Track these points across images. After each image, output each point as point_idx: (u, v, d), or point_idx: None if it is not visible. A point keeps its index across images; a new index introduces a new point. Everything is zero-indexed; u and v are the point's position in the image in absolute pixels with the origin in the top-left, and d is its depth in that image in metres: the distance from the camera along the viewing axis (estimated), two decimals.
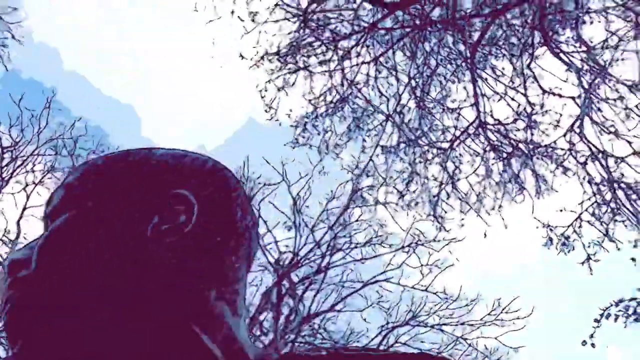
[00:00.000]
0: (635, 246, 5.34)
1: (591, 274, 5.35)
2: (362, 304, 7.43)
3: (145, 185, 0.59)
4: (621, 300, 5.17)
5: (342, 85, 6.57)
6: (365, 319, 7.40)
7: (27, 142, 6.21)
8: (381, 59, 6.49)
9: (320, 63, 6.47)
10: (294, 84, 6.54)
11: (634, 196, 5.42)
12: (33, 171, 6.31)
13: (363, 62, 6.52)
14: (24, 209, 6.26)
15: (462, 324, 7.63)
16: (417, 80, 6.48)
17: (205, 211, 0.58)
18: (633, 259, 5.29)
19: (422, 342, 7.58)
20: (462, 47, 6.26)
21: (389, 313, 7.50)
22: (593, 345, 5.26)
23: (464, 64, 6.30)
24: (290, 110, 6.70)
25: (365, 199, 7.01)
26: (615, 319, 5.18)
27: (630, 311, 5.15)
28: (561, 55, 5.78)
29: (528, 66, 5.92)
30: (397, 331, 7.56)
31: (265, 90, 6.51)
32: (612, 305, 5.17)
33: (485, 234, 6.41)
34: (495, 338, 7.41)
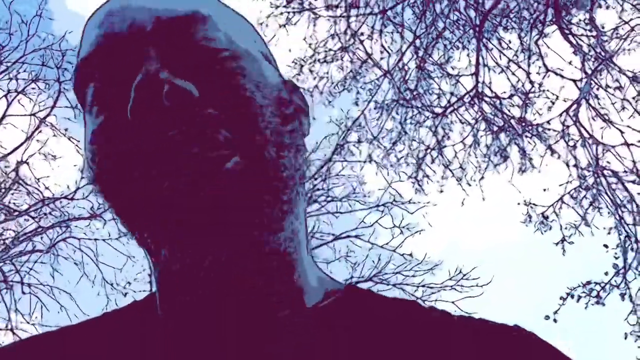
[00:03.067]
0: (609, 233, 5.54)
1: (564, 254, 5.54)
2: (331, 256, 7.54)
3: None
4: (588, 282, 5.39)
5: (346, 34, 6.42)
6: (331, 271, 7.53)
7: (13, 49, 5.84)
8: (389, 12, 6.34)
9: (327, 7, 6.27)
10: (296, 23, 6.34)
11: (614, 185, 5.57)
12: (17, 79, 5.97)
13: (370, 13, 6.35)
14: (4, 116, 5.95)
15: (423, 286, 7.89)
16: (422, 40, 6.38)
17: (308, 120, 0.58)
18: (605, 246, 5.50)
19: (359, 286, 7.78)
20: (472, 14, 6.16)
21: (354, 268, 7.65)
22: (555, 320, 5.51)
23: (471, 31, 6.21)
24: (290, 50, 6.52)
25: (352, 153, 6.96)
26: (578, 300, 5.41)
27: (594, 294, 5.39)
28: (570, 37, 5.76)
29: (535, 42, 5.89)
30: (360, 286, 7.73)
31: (266, 26, 6.30)
32: (579, 286, 5.39)
33: (463, 203, 6.52)
34: (453, 302, 7.70)
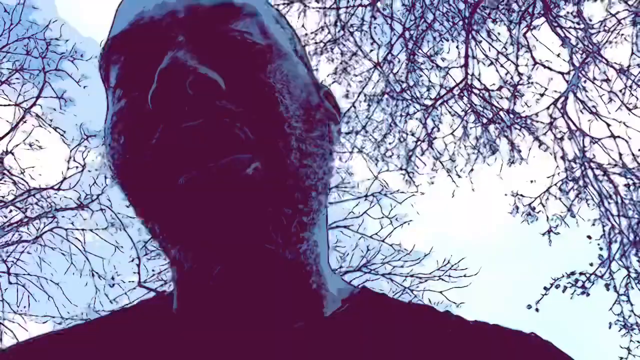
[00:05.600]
0: (593, 224, 5.60)
1: (550, 245, 5.59)
2: None
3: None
4: (572, 273, 5.46)
5: (336, 25, 6.39)
6: None
7: None
8: (379, 4, 6.32)
9: None
10: (285, 15, 6.30)
11: (601, 177, 5.63)
12: (0, 69, 5.88)
13: (360, 5, 6.33)
14: None
15: (412, 276, 7.94)
16: (412, 32, 6.38)
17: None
18: (589, 237, 5.56)
19: (372, 288, 7.83)
20: (462, 6, 6.17)
21: (343, 258, 7.68)
22: (537, 309, 5.58)
23: (460, 23, 6.22)
24: None
25: (342, 144, 6.96)
26: (564, 290, 5.48)
27: (579, 284, 5.46)
28: (558, 29, 5.79)
29: (524, 35, 5.91)
30: (349, 276, 7.77)
31: None
32: (563, 276, 5.46)
33: (453, 194, 6.56)
34: (441, 292, 7.77)
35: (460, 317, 0.53)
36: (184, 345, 0.47)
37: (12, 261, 5.90)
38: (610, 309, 5.38)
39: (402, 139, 6.66)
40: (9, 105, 6.06)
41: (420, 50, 6.51)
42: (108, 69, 0.50)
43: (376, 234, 7.58)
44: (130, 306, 0.55)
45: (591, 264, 5.42)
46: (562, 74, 5.78)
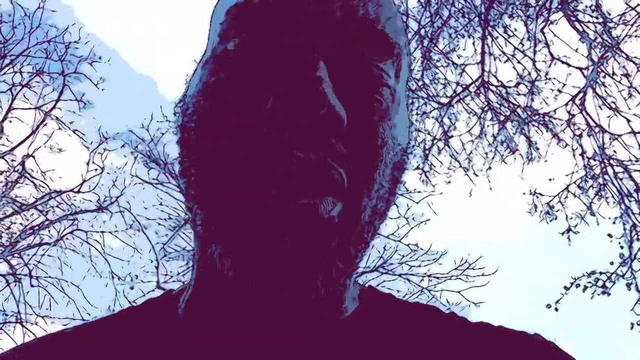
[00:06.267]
0: (614, 223, 5.49)
1: (569, 244, 5.51)
2: None
3: None
4: (593, 272, 5.36)
5: None
6: None
7: (17, 41, 5.84)
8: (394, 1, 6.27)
9: None
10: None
11: (621, 174, 5.52)
12: (21, 72, 5.99)
13: None
14: (9, 109, 5.98)
15: (429, 276, 7.89)
16: (427, 29, 6.32)
17: None
18: (610, 235, 5.46)
19: (389, 289, 7.82)
20: (478, 1, 6.09)
21: None
22: (556, 309, 5.50)
23: (476, 19, 6.14)
24: None
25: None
26: (584, 290, 5.39)
27: (600, 284, 5.36)
28: (576, 24, 5.68)
29: (541, 30, 5.81)
30: (366, 276, 7.76)
31: None
32: (584, 275, 5.37)
33: (470, 193, 6.49)
34: (459, 292, 7.71)
35: (465, 318, 0.52)
36: (188, 346, 0.46)
37: (34, 264, 6.01)
38: (632, 309, 5.28)
39: (418, 138, 6.61)
40: (29, 108, 6.17)
41: (435, 48, 6.46)
42: (228, 32, 0.45)
43: (393, 233, 7.55)
44: (137, 305, 0.54)
45: (612, 263, 5.32)
46: (581, 69, 5.68)
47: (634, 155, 5.39)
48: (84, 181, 6.25)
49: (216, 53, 0.46)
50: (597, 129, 5.58)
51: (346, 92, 0.42)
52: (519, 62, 6.08)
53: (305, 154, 0.40)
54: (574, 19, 5.73)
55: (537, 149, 6.09)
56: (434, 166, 6.58)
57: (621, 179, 5.52)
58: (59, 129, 6.27)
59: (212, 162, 0.43)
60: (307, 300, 0.43)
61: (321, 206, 0.40)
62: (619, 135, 5.49)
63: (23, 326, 5.81)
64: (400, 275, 7.90)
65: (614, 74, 5.58)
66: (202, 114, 0.44)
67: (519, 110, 6.16)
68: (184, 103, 0.47)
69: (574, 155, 5.69)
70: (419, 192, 7.33)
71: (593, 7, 5.63)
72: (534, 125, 6.13)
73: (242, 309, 0.45)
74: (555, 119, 5.92)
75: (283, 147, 0.40)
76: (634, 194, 5.39)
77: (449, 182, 6.60)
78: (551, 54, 5.84)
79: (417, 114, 6.51)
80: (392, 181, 0.47)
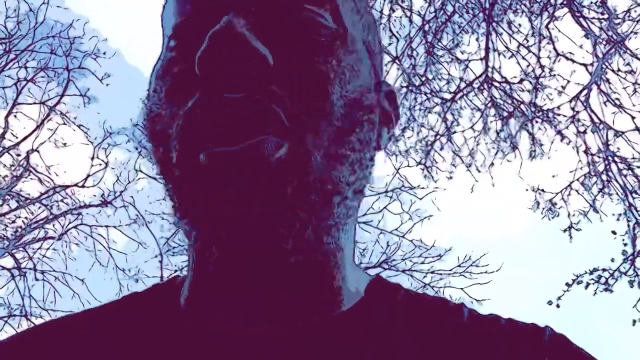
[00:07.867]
0: (617, 220, 5.47)
1: (570, 241, 5.49)
2: None
3: None
4: (595, 269, 5.35)
5: None
6: None
7: (22, 37, 5.87)
8: None
9: None
10: None
11: (625, 171, 5.49)
12: (26, 67, 6.02)
13: None
14: (14, 104, 6.02)
15: (432, 272, 7.89)
16: (431, 25, 6.29)
17: None
18: (614, 232, 5.44)
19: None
20: None
21: (363, 254, 7.68)
22: (558, 305, 5.49)
23: (481, 15, 6.11)
24: None
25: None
26: (586, 286, 5.38)
27: (602, 281, 5.35)
28: (581, 20, 5.65)
29: (546, 26, 5.78)
30: (369, 272, 7.76)
31: None
32: (586, 273, 5.35)
33: (472, 189, 6.48)
34: (462, 289, 7.71)
35: (474, 310, 0.51)
36: (189, 336, 0.46)
37: (38, 258, 6.06)
38: (635, 306, 5.26)
39: (420, 134, 6.60)
40: (34, 103, 6.20)
41: (439, 43, 6.43)
42: (168, 21, 0.48)
43: (396, 229, 7.55)
44: (142, 291, 0.53)
45: (612, 260, 5.31)
46: (585, 65, 5.64)
47: (638, 152, 5.37)
48: (88, 176, 6.29)
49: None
50: (601, 126, 5.55)
51: (278, 38, 0.42)
52: (523, 58, 6.05)
53: (236, 92, 0.40)
54: (579, 14, 5.69)
55: (541, 145, 6.08)
56: (436, 162, 6.58)
57: (625, 176, 5.50)
58: (64, 123, 6.31)
59: (161, 138, 0.43)
60: (280, 251, 0.41)
61: (266, 145, 0.39)
62: (623, 132, 5.46)
63: (28, 319, 5.87)
64: (403, 271, 7.91)
65: (618, 70, 5.55)
66: (151, 98, 0.46)
67: (522, 106, 6.13)
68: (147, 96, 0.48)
69: (577, 152, 5.67)
70: (422, 188, 7.34)
71: (598, 3, 5.60)
72: (537, 122, 6.11)
73: (235, 289, 0.44)
74: (559, 115, 5.90)
75: (214, 96, 0.40)
76: (638, 191, 5.37)
77: (451, 177, 6.59)
78: (556, 50, 5.81)
79: (420, 109, 6.51)
80: (351, 121, 0.44)
